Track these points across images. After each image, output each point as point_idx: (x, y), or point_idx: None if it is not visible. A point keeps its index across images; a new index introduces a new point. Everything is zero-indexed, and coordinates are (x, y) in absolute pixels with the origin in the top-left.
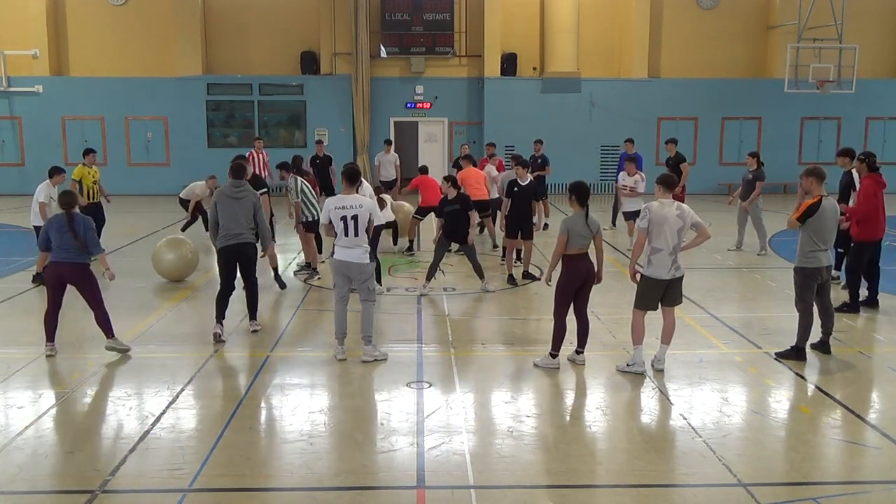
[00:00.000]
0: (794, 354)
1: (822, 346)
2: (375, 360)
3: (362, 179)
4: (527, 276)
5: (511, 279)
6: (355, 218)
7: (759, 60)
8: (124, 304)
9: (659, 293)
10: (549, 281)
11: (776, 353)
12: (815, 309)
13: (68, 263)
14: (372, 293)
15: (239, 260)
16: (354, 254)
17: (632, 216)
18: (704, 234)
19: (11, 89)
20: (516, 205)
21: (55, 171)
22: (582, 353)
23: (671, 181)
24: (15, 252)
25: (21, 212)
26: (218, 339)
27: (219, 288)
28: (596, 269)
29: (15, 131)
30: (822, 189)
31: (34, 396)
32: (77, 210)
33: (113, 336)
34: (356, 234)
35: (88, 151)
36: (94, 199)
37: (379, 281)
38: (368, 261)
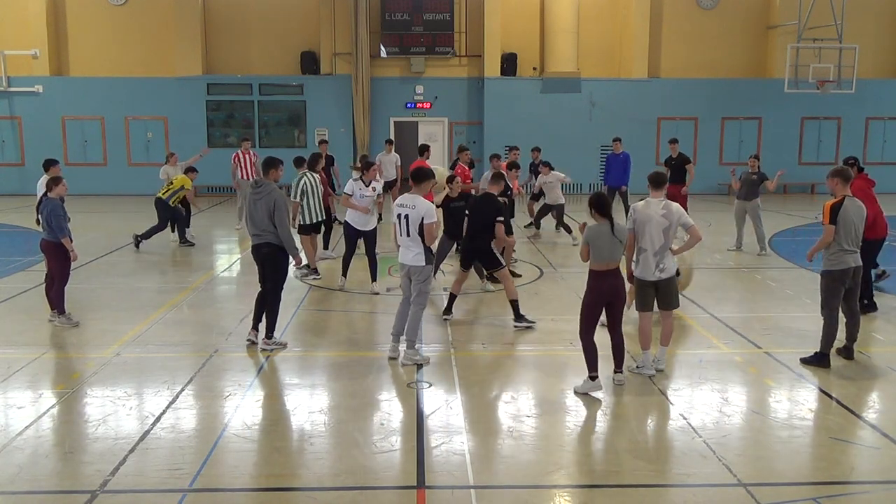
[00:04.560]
0: (818, 361)
1: (847, 353)
2: (415, 363)
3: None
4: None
5: (492, 278)
6: (406, 217)
7: (759, 60)
8: (124, 304)
9: (651, 294)
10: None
11: (801, 359)
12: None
13: (42, 239)
14: (423, 297)
15: (257, 261)
16: (408, 256)
17: None
18: (695, 237)
19: (11, 89)
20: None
21: (50, 164)
22: (620, 372)
23: (660, 179)
24: (15, 252)
25: (21, 212)
26: (251, 344)
27: None
28: (626, 286)
29: (15, 131)
30: (847, 190)
31: (34, 396)
32: (50, 195)
33: (63, 313)
34: (408, 235)
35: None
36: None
37: (375, 279)
38: (424, 263)
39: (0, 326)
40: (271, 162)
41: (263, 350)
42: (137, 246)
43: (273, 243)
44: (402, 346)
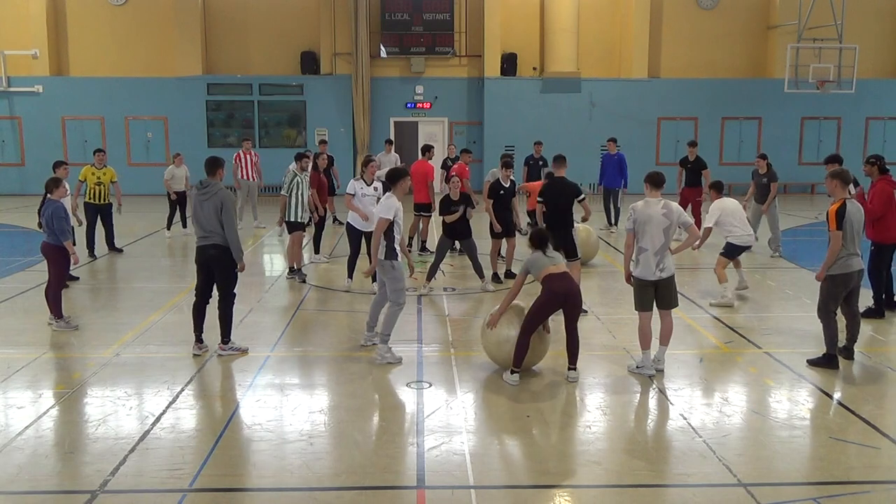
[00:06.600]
0: (826, 362)
1: (846, 353)
2: (386, 362)
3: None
4: (509, 274)
5: (496, 277)
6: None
7: (759, 60)
8: (124, 304)
9: (650, 294)
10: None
11: (808, 361)
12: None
13: (43, 242)
14: (397, 294)
15: (206, 263)
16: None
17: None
18: (694, 235)
19: (11, 89)
20: (500, 206)
21: (56, 165)
22: (575, 369)
23: (658, 179)
24: (15, 252)
25: (21, 212)
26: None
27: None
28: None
29: (15, 131)
30: (846, 192)
31: (34, 396)
32: (51, 196)
33: (60, 317)
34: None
35: (97, 151)
36: (98, 200)
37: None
38: (384, 257)
39: (0, 326)
40: (216, 161)
41: (220, 356)
42: (118, 250)
43: (220, 245)
44: (376, 340)
